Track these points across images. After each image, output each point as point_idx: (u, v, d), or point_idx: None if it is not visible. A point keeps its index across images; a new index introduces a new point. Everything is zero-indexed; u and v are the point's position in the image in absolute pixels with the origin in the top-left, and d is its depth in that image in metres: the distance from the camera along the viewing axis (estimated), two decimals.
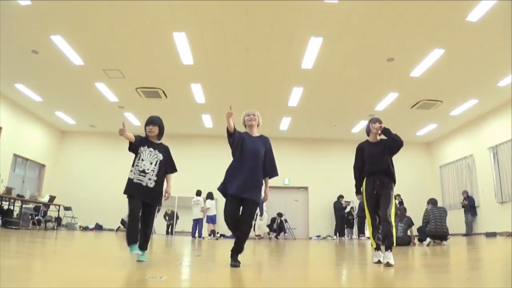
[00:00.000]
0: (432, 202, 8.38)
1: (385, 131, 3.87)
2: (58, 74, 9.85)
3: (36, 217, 11.61)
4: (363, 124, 13.39)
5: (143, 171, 3.43)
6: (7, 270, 2.47)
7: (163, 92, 10.92)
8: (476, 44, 7.82)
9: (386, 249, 3.51)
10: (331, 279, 2.84)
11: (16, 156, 12.63)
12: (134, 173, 3.43)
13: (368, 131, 4.04)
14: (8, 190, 10.03)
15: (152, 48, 8.42)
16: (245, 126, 3.65)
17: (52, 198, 11.79)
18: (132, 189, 3.40)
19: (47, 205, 12.11)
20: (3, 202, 10.46)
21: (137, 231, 3.40)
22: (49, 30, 7.70)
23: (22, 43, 8.24)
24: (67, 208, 12.93)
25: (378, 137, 3.97)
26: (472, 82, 9.76)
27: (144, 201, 3.41)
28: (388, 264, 3.33)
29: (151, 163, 3.48)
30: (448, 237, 7.97)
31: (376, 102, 11.33)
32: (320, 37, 7.80)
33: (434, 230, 7.80)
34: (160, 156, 3.59)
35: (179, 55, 8.62)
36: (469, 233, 11.83)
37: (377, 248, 3.79)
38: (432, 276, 2.71)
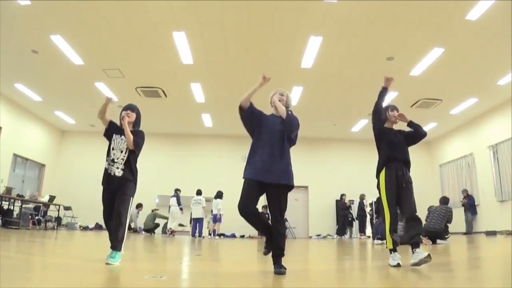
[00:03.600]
0: (440, 200, 8.39)
1: (411, 123, 3.74)
2: (58, 74, 9.85)
3: (36, 217, 11.61)
4: (363, 123, 13.40)
5: (113, 160, 3.32)
6: (7, 270, 2.47)
7: (163, 91, 10.92)
8: (475, 43, 7.82)
9: (415, 247, 3.22)
10: (332, 278, 2.84)
11: (16, 156, 12.64)
12: (108, 163, 3.35)
13: (385, 119, 3.77)
14: (8, 190, 10.03)
15: (152, 47, 8.41)
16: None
17: (52, 198, 11.79)
18: (105, 179, 3.32)
19: (47, 205, 12.11)
20: (3, 202, 10.46)
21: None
22: (49, 30, 7.69)
23: (22, 43, 8.24)
24: (67, 208, 12.94)
25: (394, 126, 3.78)
26: (472, 81, 9.76)
27: (113, 191, 3.28)
28: (428, 257, 3.03)
29: (121, 151, 3.36)
30: (446, 236, 7.84)
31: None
32: (320, 36, 7.80)
33: (426, 227, 7.70)
34: None
35: (179, 54, 8.61)
36: (469, 231, 11.84)
37: (394, 250, 3.37)
38: (432, 275, 2.72)
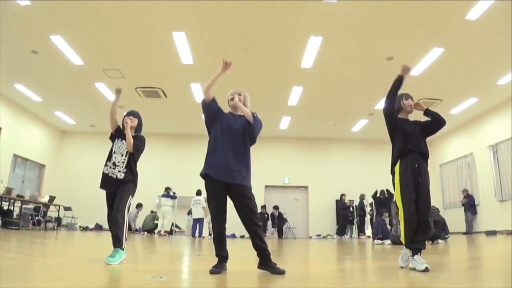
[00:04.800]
0: None
1: (428, 111, 3.42)
2: (58, 74, 9.85)
3: (36, 218, 11.60)
4: (363, 123, 13.40)
5: (114, 164, 3.43)
6: (7, 270, 2.47)
7: (163, 91, 10.91)
8: (475, 43, 7.82)
9: (416, 253, 2.96)
10: (333, 278, 2.84)
11: (16, 156, 12.63)
12: (109, 166, 3.43)
13: (399, 109, 3.44)
14: (8, 191, 10.02)
15: (152, 47, 8.41)
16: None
17: (52, 198, 11.79)
18: (103, 182, 3.42)
19: (47, 205, 12.11)
20: (3, 203, 10.45)
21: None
22: (48, 30, 7.69)
23: (22, 43, 8.24)
24: (67, 208, 12.93)
25: (409, 116, 3.48)
26: (472, 81, 9.76)
27: (113, 192, 3.38)
28: (426, 269, 2.79)
29: (121, 155, 3.47)
30: (446, 236, 7.77)
31: (375, 101, 11.33)
32: (319, 36, 7.80)
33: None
34: None
35: (179, 54, 8.61)
36: (470, 231, 11.85)
37: (407, 247, 3.10)
38: (431, 274, 2.71)
